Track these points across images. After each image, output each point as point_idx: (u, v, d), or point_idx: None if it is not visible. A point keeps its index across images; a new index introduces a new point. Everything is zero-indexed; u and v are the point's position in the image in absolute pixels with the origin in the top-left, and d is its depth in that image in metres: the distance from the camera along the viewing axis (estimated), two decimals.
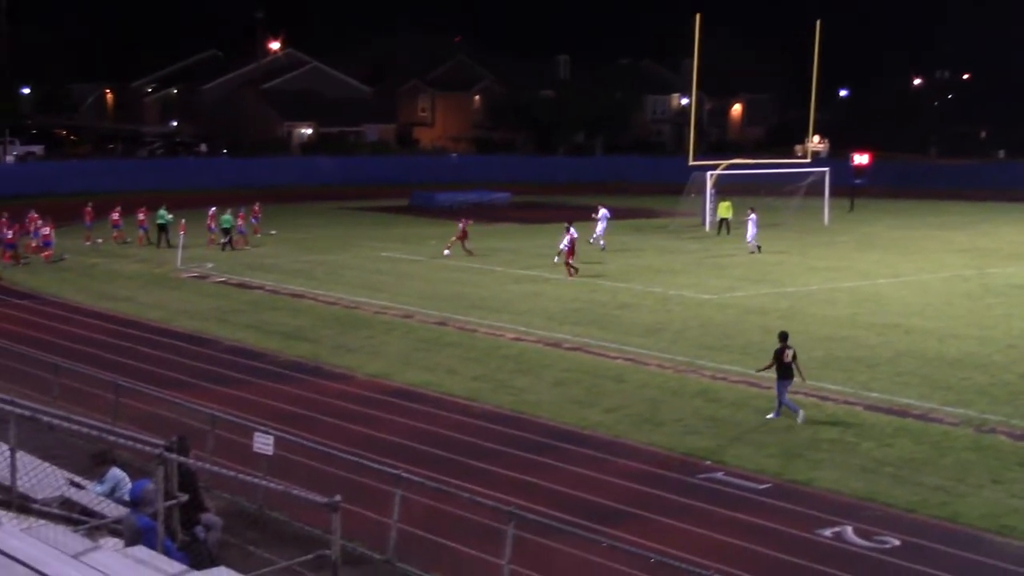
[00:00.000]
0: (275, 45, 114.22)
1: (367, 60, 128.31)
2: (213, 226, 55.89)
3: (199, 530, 14.59)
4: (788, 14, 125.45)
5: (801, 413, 25.21)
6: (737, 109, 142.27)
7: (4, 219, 50.51)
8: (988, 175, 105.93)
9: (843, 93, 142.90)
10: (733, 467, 22.09)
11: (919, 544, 18.34)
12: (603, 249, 54.06)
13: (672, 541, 17.93)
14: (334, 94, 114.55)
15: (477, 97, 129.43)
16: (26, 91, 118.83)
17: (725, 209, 62.42)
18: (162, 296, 41.18)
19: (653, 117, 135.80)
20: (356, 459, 19.31)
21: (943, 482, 21.18)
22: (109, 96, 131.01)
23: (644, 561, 15.19)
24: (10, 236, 49.85)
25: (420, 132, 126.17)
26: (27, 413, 13.96)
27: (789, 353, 25.29)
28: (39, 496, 14.61)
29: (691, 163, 66.60)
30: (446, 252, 50.82)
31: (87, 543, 11.62)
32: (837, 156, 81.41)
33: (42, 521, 12.89)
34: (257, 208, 59.60)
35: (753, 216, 55.29)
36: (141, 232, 55.90)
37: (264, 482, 16.53)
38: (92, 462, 16.57)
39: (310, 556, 14.54)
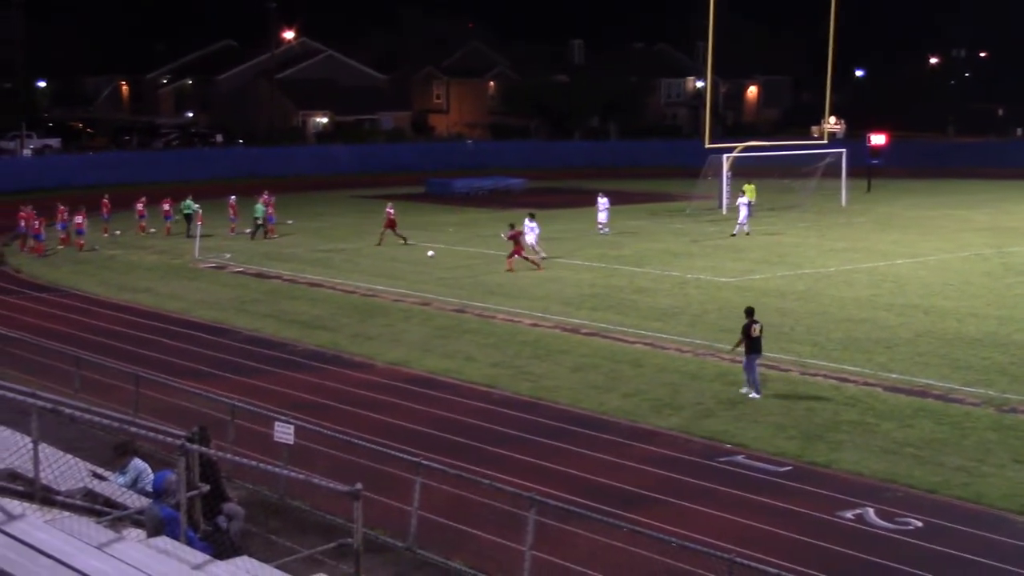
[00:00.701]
0: (289, 34, 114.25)
1: (381, 48, 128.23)
2: (233, 216, 56.19)
3: (221, 520, 14.64)
4: None
5: (757, 395, 25.49)
6: (753, 91, 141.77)
7: (28, 211, 50.97)
8: (1006, 153, 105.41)
9: (859, 73, 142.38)
10: (753, 450, 22.09)
11: (941, 525, 18.31)
12: (604, 234, 53.92)
13: (693, 525, 17.94)
14: (349, 82, 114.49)
15: (492, 83, 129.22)
16: (42, 84, 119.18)
17: (750, 192, 62.24)
18: (181, 287, 41.29)
19: (668, 101, 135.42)
20: (376, 447, 19.35)
21: (965, 462, 21.13)
22: (124, 88, 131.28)
23: (665, 545, 15.19)
24: (37, 227, 50.43)
25: (435, 119, 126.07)
26: (49, 405, 14.01)
27: (756, 328, 25.72)
28: (62, 488, 14.67)
29: (707, 146, 66.44)
30: (379, 245, 50.18)
31: (110, 534, 11.66)
32: (854, 137, 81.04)
33: (65, 513, 12.94)
34: (266, 197, 59.59)
35: (745, 199, 55.12)
36: (167, 222, 56.25)
37: (285, 471, 16.58)
38: (114, 453, 16.61)
39: (332, 544, 14.59)
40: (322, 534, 16.90)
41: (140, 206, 57.51)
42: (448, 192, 78.24)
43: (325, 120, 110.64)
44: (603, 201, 55.25)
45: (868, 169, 78.11)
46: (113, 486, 15.73)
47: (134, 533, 13.38)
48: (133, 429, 15.14)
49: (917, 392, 26.08)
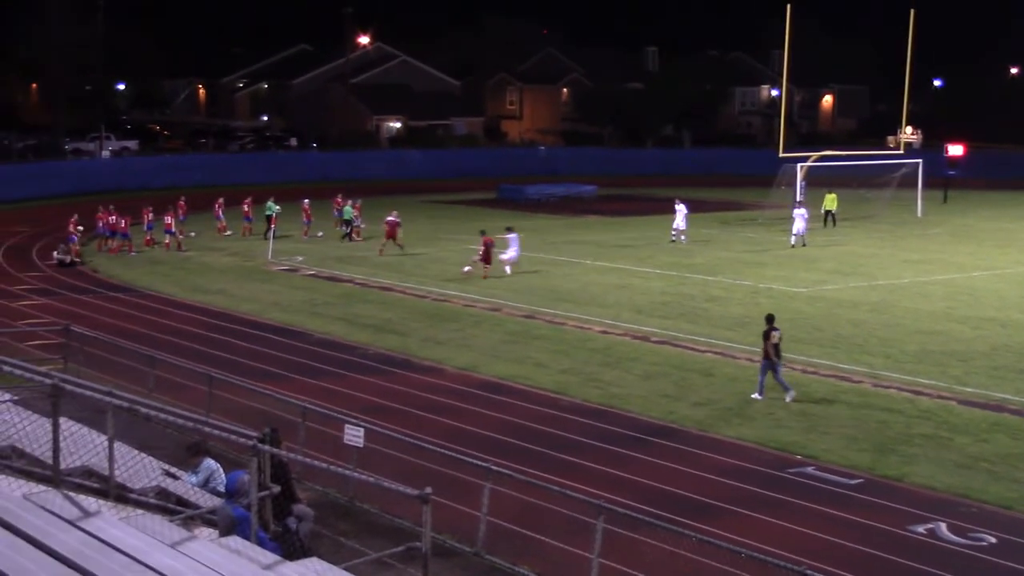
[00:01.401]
0: (364, 39, 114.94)
1: (455, 53, 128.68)
2: (306, 219, 56.72)
3: (291, 521, 14.76)
4: (880, 4, 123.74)
5: (760, 397, 26.09)
6: (828, 100, 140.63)
7: (108, 211, 51.86)
8: None
9: (937, 83, 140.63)
10: (824, 462, 21.90)
11: (1017, 542, 18.05)
12: (677, 242, 53.63)
13: (762, 536, 17.82)
14: (422, 88, 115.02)
15: (565, 90, 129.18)
16: (121, 87, 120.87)
17: (831, 201, 61.79)
18: (254, 289, 41.66)
19: (742, 109, 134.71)
20: (445, 451, 19.40)
21: None
22: (201, 92, 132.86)
23: (734, 556, 15.10)
24: (123, 226, 51.46)
25: (508, 125, 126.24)
26: (124, 404, 14.22)
27: (776, 335, 25.97)
28: (136, 486, 14.87)
29: (781, 155, 65.99)
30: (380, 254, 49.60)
31: (183, 532, 11.81)
32: (931, 147, 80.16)
33: (139, 511, 13.10)
34: (340, 200, 60.08)
35: (801, 211, 54.11)
36: (246, 223, 56.87)
37: (355, 474, 16.67)
38: (187, 453, 16.80)
39: (400, 548, 14.65)
40: (390, 537, 16.98)
41: (218, 208, 58.19)
42: (520, 198, 78.28)
43: (398, 125, 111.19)
44: (681, 208, 54.89)
45: (945, 180, 77.16)
46: (185, 485, 15.92)
47: (206, 532, 13.53)
48: (206, 429, 15.32)
49: (993, 406, 25.72)
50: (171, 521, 12.55)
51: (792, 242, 52.60)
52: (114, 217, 51.89)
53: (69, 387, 13.48)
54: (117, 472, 13.99)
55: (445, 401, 26.34)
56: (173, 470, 16.68)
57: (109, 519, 10.97)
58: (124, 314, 36.81)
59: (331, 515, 17.91)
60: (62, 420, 12.71)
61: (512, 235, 44.89)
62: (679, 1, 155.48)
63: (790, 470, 21.50)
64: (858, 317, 35.76)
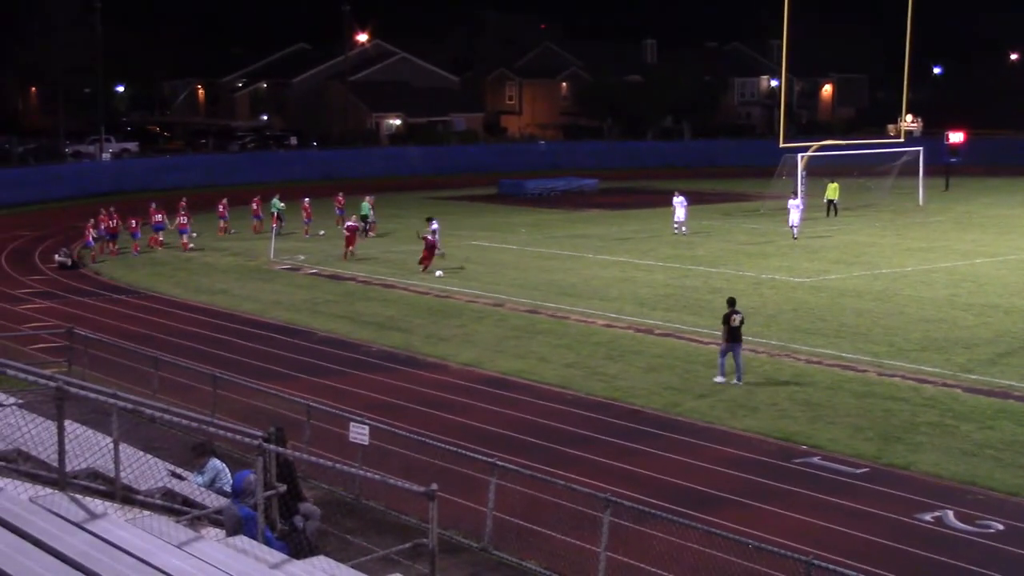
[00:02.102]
0: (362, 37, 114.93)
1: (454, 50, 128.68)
2: (307, 218, 56.79)
3: (298, 520, 14.73)
4: None
5: (722, 379, 26.68)
6: (827, 90, 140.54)
7: (109, 214, 51.95)
8: None
9: (937, 71, 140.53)
10: (829, 451, 21.90)
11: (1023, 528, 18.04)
12: (679, 234, 53.60)
13: (768, 526, 17.82)
14: (422, 84, 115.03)
15: (564, 84, 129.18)
16: (120, 89, 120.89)
17: (833, 191, 61.75)
18: (256, 288, 41.67)
19: (742, 100, 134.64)
20: (451, 448, 19.41)
21: None
22: (200, 92, 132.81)
23: (741, 547, 15.10)
24: (133, 226, 51.78)
25: (507, 120, 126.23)
26: (129, 406, 14.21)
27: (737, 318, 26.52)
28: (142, 487, 14.86)
29: (781, 145, 65.91)
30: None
31: (190, 533, 11.80)
32: (931, 135, 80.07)
33: (145, 512, 13.10)
34: (340, 198, 60.19)
35: (796, 202, 53.62)
36: (255, 221, 56.92)
37: (361, 471, 16.68)
38: (192, 453, 16.81)
39: (407, 544, 14.66)
40: (397, 534, 16.99)
41: (221, 208, 58.27)
42: (520, 193, 78.29)
43: (398, 122, 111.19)
44: (680, 200, 54.78)
45: (946, 167, 77.07)
46: (191, 486, 15.92)
47: (212, 532, 13.53)
48: (211, 429, 15.31)
49: (998, 393, 25.71)
50: (177, 522, 12.53)
51: (795, 235, 52.39)
52: (115, 220, 51.91)
53: (73, 390, 13.47)
54: (123, 474, 13.98)
55: (449, 397, 26.34)
56: (179, 471, 16.68)
57: (115, 521, 10.96)
58: (127, 316, 36.82)
59: (338, 513, 17.92)
60: (67, 423, 12.71)
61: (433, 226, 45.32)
62: None
63: (796, 460, 21.50)
64: (861, 306, 35.74)
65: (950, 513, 18.65)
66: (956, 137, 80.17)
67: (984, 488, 19.77)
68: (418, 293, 39.95)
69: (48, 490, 12.09)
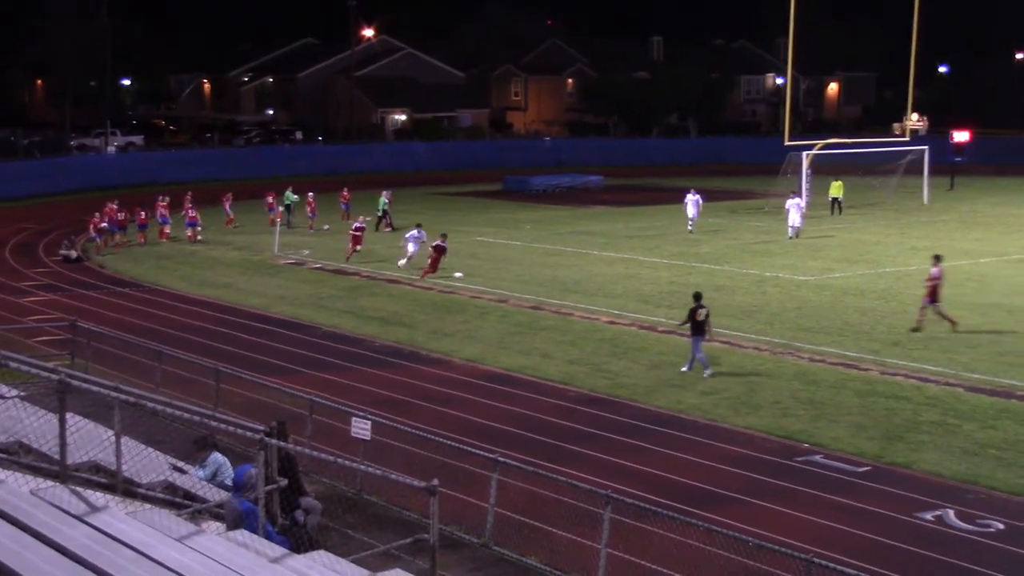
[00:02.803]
0: (369, 32, 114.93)
1: (460, 45, 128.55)
2: (312, 212, 56.93)
3: (299, 514, 14.76)
4: None
5: (709, 370, 27.32)
6: (833, 88, 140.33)
7: (114, 207, 52.19)
8: None
9: (943, 69, 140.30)
10: (832, 450, 21.91)
11: None
12: (689, 231, 53.51)
13: (770, 524, 17.83)
14: (428, 80, 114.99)
15: (570, 80, 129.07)
16: (127, 83, 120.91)
17: (837, 188, 61.73)
18: (260, 283, 41.72)
19: (748, 98, 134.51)
20: (453, 443, 19.43)
21: None
22: (207, 86, 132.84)
23: (742, 545, 15.11)
24: (143, 217, 52.43)
25: (513, 116, 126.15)
26: (131, 399, 14.22)
27: (702, 312, 27.38)
28: (143, 480, 14.88)
29: (787, 143, 65.85)
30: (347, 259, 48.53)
31: (191, 527, 11.82)
32: (937, 134, 79.98)
33: (147, 505, 13.13)
34: (346, 194, 60.35)
35: (797, 201, 53.06)
36: (271, 214, 57.04)
37: (362, 466, 16.69)
38: (194, 447, 16.85)
39: (408, 540, 14.69)
40: (399, 529, 17.02)
41: (225, 202, 58.47)
42: (526, 189, 78.29)
43: (404, 117, 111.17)
44: (694, 198, 54.49)
45: (951, 166, 76.99)
46: (193, 479, 15.95)
47: (213, 526, 13.56)
48: (213, 423, 15.34)
49: (1001, 393, 25.70)
50: (179, 515, 12.56)
51: (790, 234, 51.78)
52: (123, 213, 52.11)
53: (76, 383, 13.49)
54: (124, 467, 13.98)
55: (452, 393, 26.37)
56: (180, 464, 16.72)
57: (116, 514, 10.98)
58: (130, 309, 36.88)
59: (339, 508, 17.94)
60: (69, 416, 12.72)
61: (412, 232, 44.33)
62: None
63: (798, 458, 21.51)
64: (865, 305, 35.74)
65: (951, 512, 18.65)
66: (961, 136, 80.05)
67: (986, 487, 19.78)
68: (423, 289, 39.98)
69: (49, 483, 12.11)
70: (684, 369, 27.70)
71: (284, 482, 13.77)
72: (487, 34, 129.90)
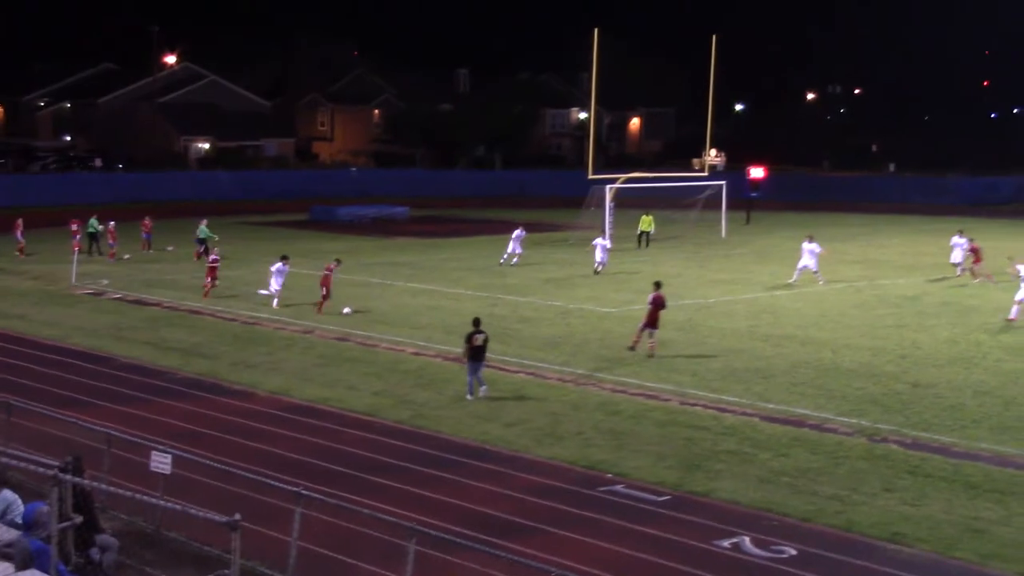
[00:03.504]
0: (171, 59, 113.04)
1: (266, 74, 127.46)
2: (112, 241, 55.77)
3: (94, 552, 14.38)
4: (686, 30, 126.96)
5: (484, 388, 28.29)
6: (636, 123, 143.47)
7: None
8: (879, 188, 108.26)
9: (739, 107, 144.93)
10: (633, 479, 22.26)
11: (815, 553, 18.63)
12: (506, 264, 53.94)
13: (573, 554, 18.02)
14: (232, 108, 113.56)
15: (376, 111, 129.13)
16: None
17: (647, 223, 63.08)
18: (56, 313, 40.49)
19: (552, 131, 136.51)
20: (256, 477, 19.11)
21: (838, 491, 21.54)
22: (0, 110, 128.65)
23: (545, 575, 15.23)
24: None
25: (319, 146, 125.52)
26: None
27: (479, 338, 28.09)
28: None
29: (590, 176, 67.05)
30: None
31: None
32: (734, 169, 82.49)
33: None
34: (148, 222, 59.25)
35: (604, 242, 53.09)
36: (74, 240, 55.37)
37: (161, 502, 16.33)
38: None
39: None
40: (198, 566, 16.67)
41: (18, 231, 56.71)
42: (332, 219, 77.98)
43: (207, 146, 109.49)
44: (518, 233, 55.04)
45: (747, 202, 79.49)
46: None
47: (1, 567, 13.08)
48: (3, 459, 14.82)
49: (793, 422, 26.53)
50: None
51: (597, 269, 52.18)
52: None
53: None
54: None
55: (256, 426, 25.98)
56: None
57: None
58: None
59: (137, 544, 17.49)
60: None
61: (277, 265, 42.21)
62: (489, 23, 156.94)
63: (600, 488, 21.80)
64: (665, 336, 36.47)
65: (747, 539, 19.15)
66: (757, 172, 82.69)
67: (779, 514, 20.36)
68: (225, 320, 39.35)
69: None
70: (469, 398, 28.14)
71: (79, 519, 13.40)
72: (293, 63, 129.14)
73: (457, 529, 18.48)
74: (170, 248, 58.79)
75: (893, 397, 28.88)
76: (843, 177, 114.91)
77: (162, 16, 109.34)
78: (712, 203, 70.45)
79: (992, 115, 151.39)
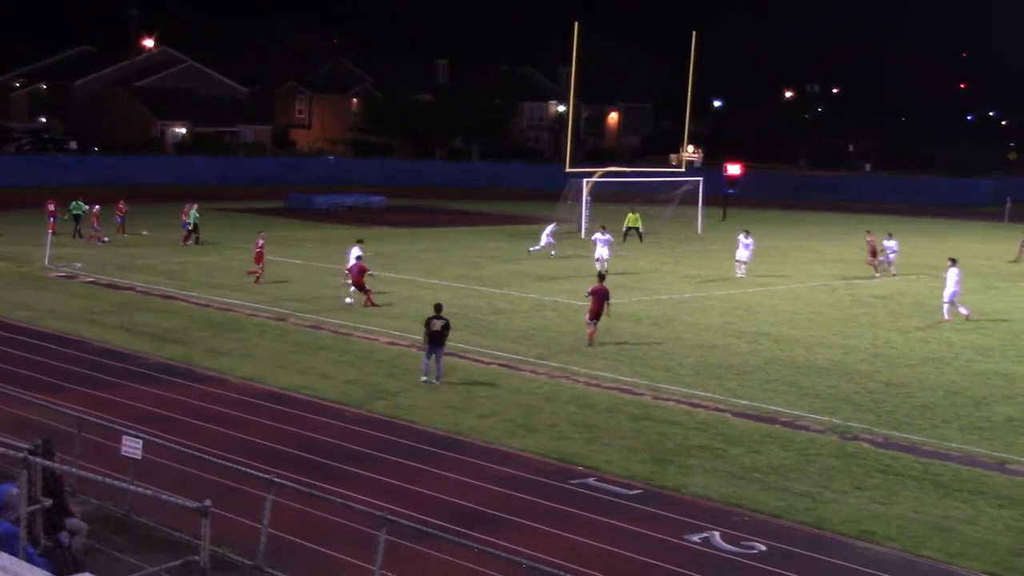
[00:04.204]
0: (149, 42, 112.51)
1: (245, 60, 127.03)
2: (97, 225, 55.70)
3: (63, 536, 14.31)
4: (665, 25, 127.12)
5: (440, 378, 28.66)
6: (614, 117, 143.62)
7: None
8: (855, 187, 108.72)
9: (717, 103, 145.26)
10: (605, 473, 22.29)
11: (785, 549, 18.70)
12: (543, 253, 54.96)
13: (543, 546, 18.04)
14: (210, 93, 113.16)
15: (355, 100, 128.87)
16: None
17: (633, 219, 63.20)
18: (28, 296, 40.26)
19: (530, 124, 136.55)
20: (227, 463, 19.06)
21: (809, 488, 21.62)
22: None
23: (515, 567, 15.24)
24: None
25: (297, 134, 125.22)
26: None
27: (437, 323, 28.56)
28: None
29: (568, 170, 67.10)
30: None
31: None
32: (711, 166, 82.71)
33: None
34: (122, 206, 59.03)
35: (605, 236, 50.50)
36: (51, 222, 55.13)
37: (132, 486, 16.27)
38: None
39: (178, 562, 14.37)
40: (168, 551, 16.61)
41: None
42: (308, 207, 77.79)
43: (184, 131, 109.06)
44: (552, 227, 56.38)
45: (724, 198, 79.70)
46: None
47: None
48: None
49: (766, 418, 26.61)
50: None
51: (598, 267, 47.63)
52: None
53: None
54: None
55: (228, 412, 25.91)
56: None
57: None
58: None
59: (106, 529, 17.43)
60: None
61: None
62: (470, 15, 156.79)
63: (572, 481, 21.82)
64: (640, 331, 36.58)
65: (717, 534, 19.20)
66: (734, 169, 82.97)
67: (750, 510, 20.43)
68: (199, 305, 39.21)
69: None
70: (423, 380, 28.70)
71: (48, 502, 13.34)
72: (272, 50, 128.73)
73: (428, 519, 18.46)
74: (144, 232, 58.60)
75: (865, 395, 29.01)
76: (820, 176, 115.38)
77: None
78: (689, 199, 70.59)
79: (968, 117, 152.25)
